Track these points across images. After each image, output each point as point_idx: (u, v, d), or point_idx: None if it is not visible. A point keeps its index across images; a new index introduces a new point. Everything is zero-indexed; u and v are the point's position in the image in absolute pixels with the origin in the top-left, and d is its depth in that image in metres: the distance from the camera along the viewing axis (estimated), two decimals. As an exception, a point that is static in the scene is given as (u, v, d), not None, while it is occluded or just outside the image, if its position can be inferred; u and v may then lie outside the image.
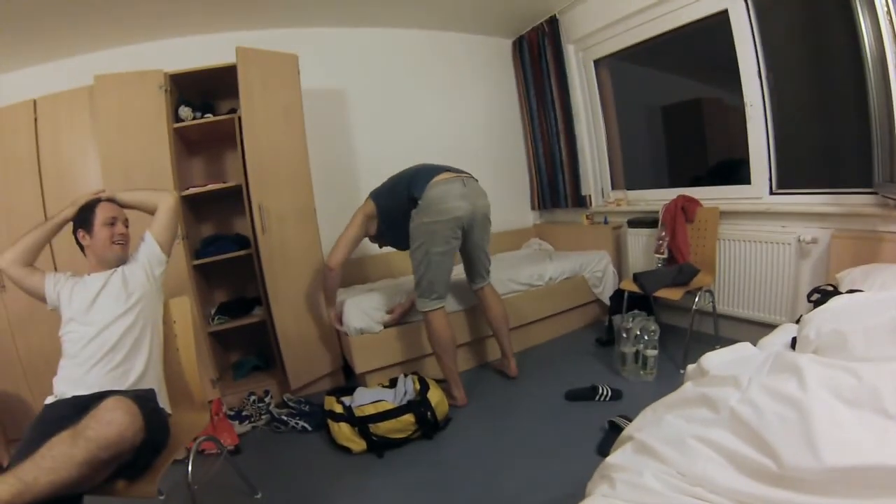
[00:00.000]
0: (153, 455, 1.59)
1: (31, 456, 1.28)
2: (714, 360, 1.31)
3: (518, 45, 4.48)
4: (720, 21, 2.95)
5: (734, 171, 3.22)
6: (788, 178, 2.88)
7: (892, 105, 2.01)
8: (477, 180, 2.71)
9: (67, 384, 1.71)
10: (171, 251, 2.07)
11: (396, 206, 2.64)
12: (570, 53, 4.09)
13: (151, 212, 2.03)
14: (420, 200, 2.49)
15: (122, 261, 1.93)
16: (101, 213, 1.89)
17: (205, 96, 3.13)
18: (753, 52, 2.84)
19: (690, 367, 1.39)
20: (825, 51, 2.73)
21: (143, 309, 1.88)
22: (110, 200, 1.97)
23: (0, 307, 2.73)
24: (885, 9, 1.92)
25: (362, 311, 2.92)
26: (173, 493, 2.13)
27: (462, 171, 2.66)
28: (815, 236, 2.63)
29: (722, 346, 1.46)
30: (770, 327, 2.25)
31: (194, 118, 2.97)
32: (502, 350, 3.00)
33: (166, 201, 2.04)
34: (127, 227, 1.96)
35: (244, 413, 2.84)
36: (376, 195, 2.79)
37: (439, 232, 2.51)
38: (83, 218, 1.90)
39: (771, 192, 2.92)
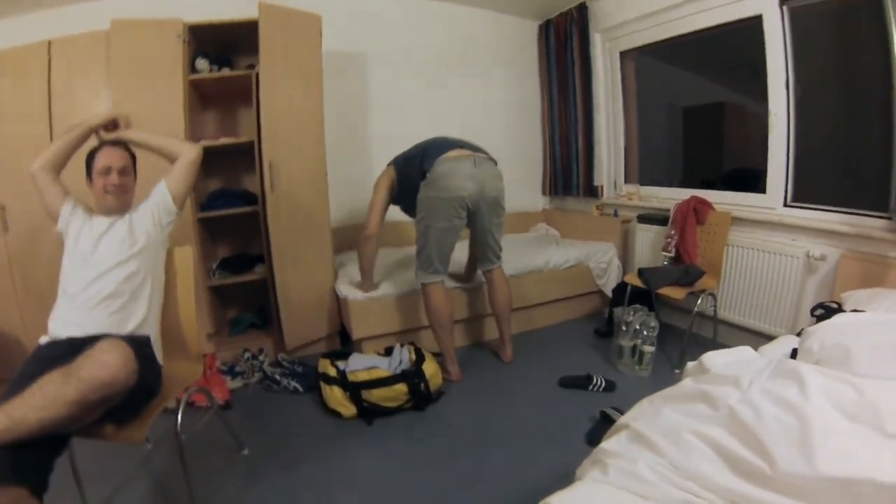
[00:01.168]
0: (144, 401, 1.59)
1: (21, 393, 1.28)
2: (715, 359, 1.32)
3: (545, 28, 4.41)
4: (752, 27, 2.89)
5: (747, 180, 3.20)
6: (804, 192, 2.86)
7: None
8: (495, 161, 2.68)
9: (63, 325, 1.70)
10: (184, 204, 2.02)
11: (411, 175, 2.64)
12: (597, 42, 4.02)
13: (171, 159, 1.97)
14: (428, 174, 2.49)
15: (118, 211, 1.86)
16: (98, 161, 1.83)
17: (223, 50, 3.08)
18: (784, 61, 2.79)
19: (691, 364, 1.40)
20: (856, 69, 2.69)
21: (147, 257, 1.85)
22: (115, 143, 1.90)
23: (1, 245, 2.72)
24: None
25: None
26: (161, 443, 2.18)
27: (478, 151, 2.63)
28: (825, 253, 2.62)
29: (719, 351, 1.47)
30: (769, 338, 2.27)
31: (211, 71, 2.93)
32: (501, 335, 3.00)
33: (189, 153, 1.97)
34: (125, 175, 1.86)
35: (237, 369, 2.86)
36: (395, 161, 2.83)
37: (441, 208, 2.51)
38: (87, 163, 1.86)
39: (785, 204, 2.90)
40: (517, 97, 4.53)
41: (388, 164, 2.85)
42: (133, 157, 1.94)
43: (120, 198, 1.85)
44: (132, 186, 1.92)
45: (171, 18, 2.74)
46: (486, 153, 2.66)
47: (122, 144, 1.92)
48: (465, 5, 4.13)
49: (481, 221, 2.66)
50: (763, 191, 3.00)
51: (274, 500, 1.86)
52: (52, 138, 2.67)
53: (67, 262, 1.80)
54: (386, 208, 2.82)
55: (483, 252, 2.80)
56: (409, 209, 2.79)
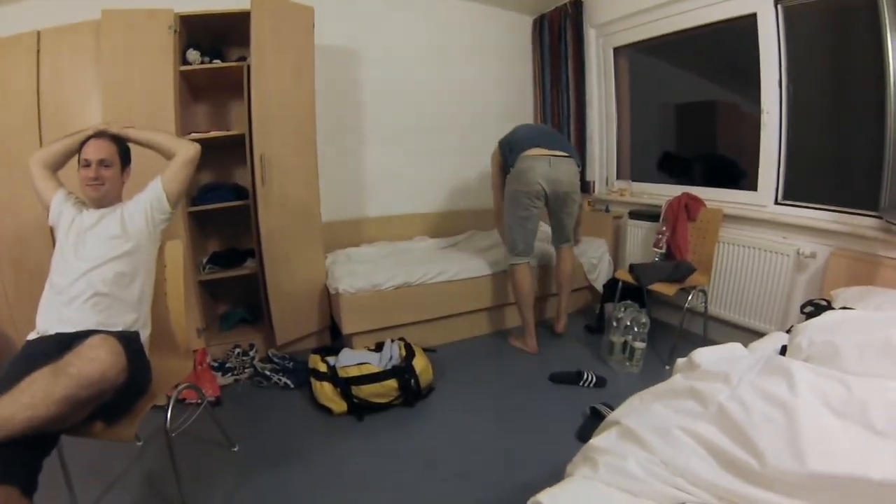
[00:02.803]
0: (133, 398, 1.57)
1: (9, 391, 1.25)
2: (705, 355, 1.32)
3: (539, 23, 4.39)
4: (747, 25, 2.90)
5: (726, 172, 3.30)
6: (795, 189, 2.88)
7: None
8: (570, 157, 2.92)
9: (51, 322, 1.67)
10: (178, 204, 1.99)
11: (506, 160, 2.98)
12: (591, 38, 4.02)
13: (168, 156, 1.95)
14: (512, 168, 2.87)
15: (101, 203, 1.84)
16: (82, 154, 1.82)
17: (214, 41, 3.04)
18: (777, 60, 2.79)
19: (681, 360, 1.40)
20: (848, 68, 2.70)
21: (139, 256, 1.83)
22: (101, 135, 1.88)
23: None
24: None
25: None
26: (151, 440, 2.16)
27: (556, 149, 2.87)
28: (815, 251, 2.64)
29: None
30: (758, 335, 2.28)
31: (202, 62, 2.89)
32: (559, 307, 3.28)
33: (186, 151, 1.95)
34: (104, 167, 1.82)
35: (228, 365, 2.84)
36: (500, 143, 3.08)
37: (520, 199, 2.86)
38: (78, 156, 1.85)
39: (776, 202, 2.91)
40: (510, 91, 4.51)
41: (497, 144, 3.12)
42: (121, 149, 1.90)
43: (98, 189, 1.82)
44: (114, 177, 1.86)
45: (162, 8, 2.70)
46: (563, 151, 2.90)
47: (109, 136, 1.89)
48: (459, -1, 4.10)
49: (554, 210, 3.00)
50: (754, 187, 3.01)
51: (265, 497, 1.85)
52: (40, 131, 2.65)
53: (57, 253, 1.78)
54: (503, 187, 3.08)
55: (555, 232, 3.17)
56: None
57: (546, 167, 2.80)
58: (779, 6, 2.75)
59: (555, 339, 3.26)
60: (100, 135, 1.87)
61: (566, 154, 2.89)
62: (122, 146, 1.91)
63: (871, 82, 2.35)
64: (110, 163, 1.84)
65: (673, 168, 3.83)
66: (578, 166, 2.99)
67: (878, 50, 2.21)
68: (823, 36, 2.79)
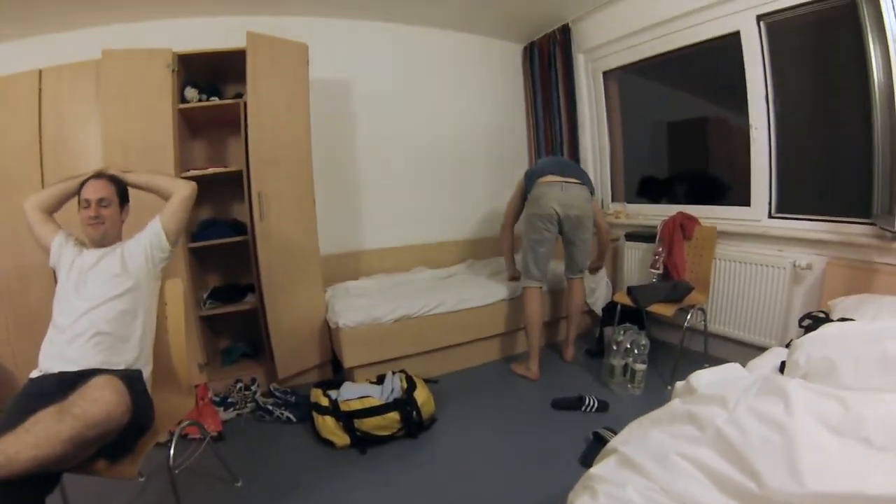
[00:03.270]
0: (137, 436, 1.58)
1: (13, 429, 1.26)
2: (703, 378, 1.32)
3: (529, 50, 4.47)
4: (732, 42, 2.96)
5: (715, 189, 3.38)
6: (788, 202, 2.90)
7: (895, 137, 2.02)
8: (583, 183, 3.02)
9: (54, 360, 1.69)
10: (178, 242, 2.02)
11: (526, 189, 3.12)
12: (580, 63, 4.09)
13: (165, 197, 1.99)
14: (528, 195, 3.01)
15: (102, 242, 1.88)
16: (82, 195, 1.86)
17: (212, 79, 3.12)
18: (762, 75, 2.85)
19: (679, 383, 1.40)
20: (833, 79, 2.75)
21: (139, 294, 1.85)
22: (99, 175, 1.92)
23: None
24: (896, 42, 1.93)
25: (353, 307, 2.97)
26: (153, 476, 2.14)
27: (568, 177, 2.97)
28: (811, 262, 2.65)
29: (711, 365, 1.47)
30: (760, 349, 2.27)
31: (200, 100, 2.95)
32: (567, 336, 3.35)
33: (183, 190, 1.98)
34: (103, 206, 1.86)
35: (230, 400, 2.83)
36: (527, 174, 3.18)
37: (534, 223, 2.97)
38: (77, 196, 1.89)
39: (770, 216, 2.94)
40: (504, 119, 4.57)
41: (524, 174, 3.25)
42: (119, 188, 1.93)
43: (98, 228, 1.85)
44: (113, 216, 1.90)
45: (160, 48, 2.77)
46: (575, 178, 3.00)
47: (107, 177, 1.92)
48: (452, 30, 4.19)
49: (568, 237, 3.06)
50: (747, 203, 3.03)
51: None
52: (42, 169, 2.70)
53: (59, 293, 1.80)
54: (517, 211, 3.29)
55: (567, 262, 3.23)
56: None
57: (558, 191, 2.90)
58: (761, 23, 2.81)
59: (556, 365, 3.25)
60: (98, 176, 1.92)
61: (578, 180, 2.99)
62: (119, 186, 1.95)
63: (857, 92, 2.39)
64: (109, 202, 1.87)
65: (660, 191, 3.90)
66: (592, 193, 3.08)
67: (862, 60, 2.24)
68: (807, 49, 2.84)
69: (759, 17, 2.80)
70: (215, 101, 2.99)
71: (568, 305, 3.31)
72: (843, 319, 1.87)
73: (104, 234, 1.87)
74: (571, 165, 3.17)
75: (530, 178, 3.06)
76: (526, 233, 3.03)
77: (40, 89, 2.69)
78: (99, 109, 2.70)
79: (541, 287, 3.06)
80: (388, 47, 3.96)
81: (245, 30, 2.70)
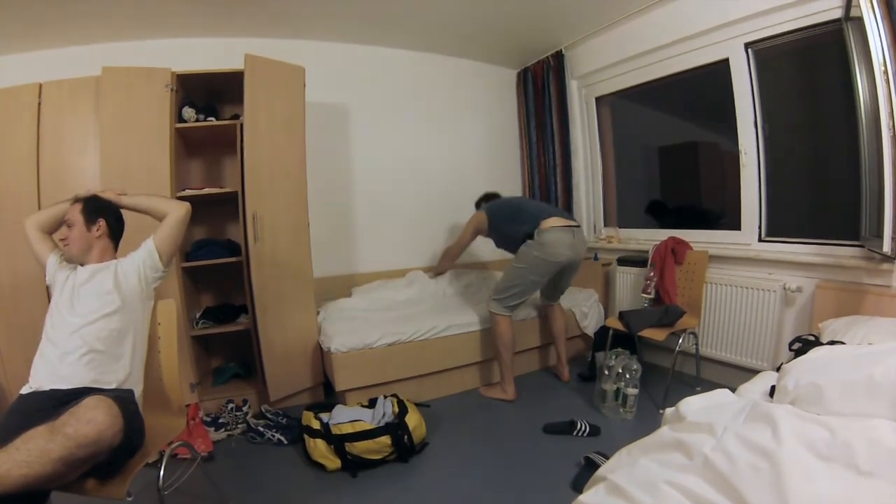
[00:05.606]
0: (127, 457, 1.57)
1: (4, 447, 1.26)
2: (692, 405, 1.33)
3: (523, 76, 4.55)
4: (721, 69, 3.03)
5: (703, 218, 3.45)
6: (778, 226, 2.94)
7: (882, 161, 2.06)
8: (580, 227, 3.06)
9: (46, 377, 1.68)
10: (171, 262, 2.04)
11: (508, 230, 3.12)
12: (573, 89, 4.16)
13: (160, 218, 2.01)
14: (536, 237, 2.91)
15: (80, 260, 1.91)
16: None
17: (209, 99, 3.15)
18: (751, 101, 2.91)
19: (669, 410, 1.40)
20: (821, 104, 2.81)
21: (131, 314, 1.86)
22: (84, 199, 1.95)
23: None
24: (882, 67, 1.97)
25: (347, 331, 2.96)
26: (142, 496, 2.08)
27: (571, 221, 3.01)
28: (801, 285, 2.68)
29: (703, 389, 1.48)
30: (751, 372, 2.29)
31: (197, 120, 2.98)
32: (559, 357, 3.40)
33: (177, 211, 2.00)
34: (69, 226, 1.90)
35: (221, 420, 2.81)
36: (489, 210, 3.30)
37: (542, 266, 2.93)
38: None
39: (760, 240, 2.97)
40: (497, 144, 4.61)
41: (482, 211, 3.34)
42: (86, 207, 1.93)
43: (66, 248, 1.91)
44: (77, 236, 1.90)
45: (160, 67, 2.80)
46: (576, 222, 3.05)
47: (79, 199, 1.95)
48: (447, 56, 4.26)
49: (563, 274, 3.10)
50: (738, 227, 3.07)
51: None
52: (38, 184, 2.70)
53: (53, 308, 1.82)
54: (465, 247, 3.53)
55: (551, 293, 3.29)
56: (500, 244, 3.35)
57: (571, 237, 2.93)
58: (749, 50, 2.88)
59: (546, 390, 3.25)
60: (73, 200, 1.96)
61: (578, 224, 3.05)
62: (87, 205, 1.94)
63: (844, 116, 2.45)
64: (72, 223, 1.91)
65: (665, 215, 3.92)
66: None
67: (848, 85, 2.29)
68: (795, 75, 2.91)
69: (748, 45, 2.87)
70: (212, 121, 3.02)
71: (554, 329, 3.36)
72: (832, 342, 1.89)
73: (70, 254, 1.91)
74: (559, 209, 3.25)
75: (515, 219, 3.05)
76: (525, 271, 2.96)
77: (40, 103, 2.71)
78: (97, 125, 2.72)
79: (510, 317, 3.07)
80: (383, 71, 4.02)
81: (243, 52, 2.74)
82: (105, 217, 1.97)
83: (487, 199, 3.56)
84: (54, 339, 1.74)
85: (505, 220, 3.17)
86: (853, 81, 2.25)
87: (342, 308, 3.36)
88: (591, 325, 3.68)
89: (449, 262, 3.78)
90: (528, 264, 2.95)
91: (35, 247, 1.96)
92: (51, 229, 1.98)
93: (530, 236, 2.94)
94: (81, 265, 1.91)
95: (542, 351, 3.64)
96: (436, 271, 3.90)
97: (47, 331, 1.78)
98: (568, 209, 4.18)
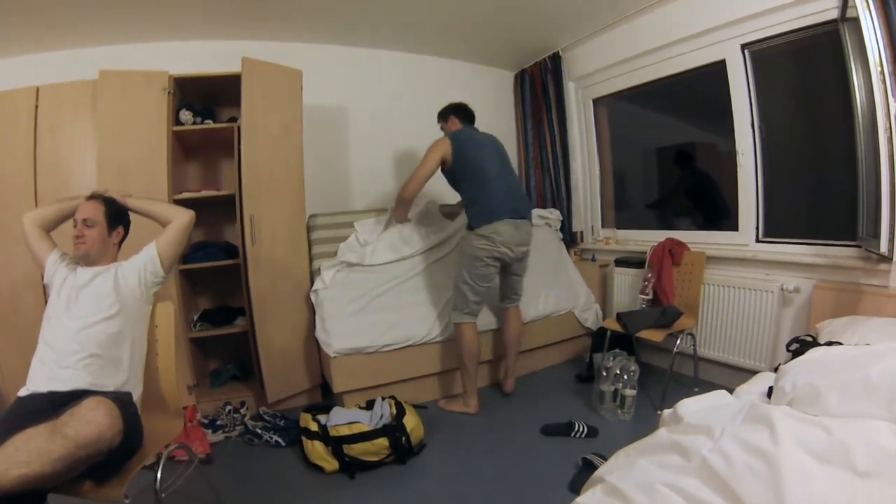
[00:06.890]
0: (125, 458, 1.56)
1: (3, 447, 1.26)
2: (689, 407, 1.32)
3: (520, 78, 4.54)
4: (718, 70, 3.03)
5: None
6: (775, 226, 2.94)
7: (879, 161, 2.06)
8: (530, 221, 2.94)
9: (43, 379, 1.68)
10: (172, 268, 2.03)
11: (458, 171, 2.88)
12: (571, 91, 4.16)
13: (163, 224, 2.00)
14: (484, 225, 2.75)
15: (86, 261, 1.88)
16: (74, 214, 1.89)
17: (206, 102, 3.15)
18: (748, 102, 2.91)
19: (666, 411, 1.40)
20: (818, 105, 2.82)
21: (130, 317, 1.85)
22: (93, 196, 1.94)
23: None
24: (879, 68, 1.98)
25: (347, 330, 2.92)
26: (140, 499, 2.07)
27: (520, 215, 2.85)
28: (798, 286, 2.68)
29: (701, 390, 1.48)
30: (749, 373, 2.29)
31: (194, 123, 2.97)
32: (507, 366, 3.17)
33: (181, 218, 2.00)
34: (88, 226, 1.87)
35: (218, 422, 2.80)
36: (454, 138, 2.93)
37: (481, 258, 2.77)
38: None
39: (757, 240, 2.97)
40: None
41: (447, 138, 2.94)
42: (109, 210, 1.93)
43: (78, 247, 1.86)
44: (97, 237, 1.88)
45: (157, 70, 2.80)
46: (526, 215, 2.90)
47: (100, 198, 1.94)
48: (444, 58, 4.25)
49: (510, 269, 2.96)
50: (735, 228, 3.07)
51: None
52: (35, 186, 2.70)
53: (50, 311, 1.80)
54: (427, 179, 2.95)
55: (505, 292, 3.09)
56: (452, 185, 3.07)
57: (513, 230, 2.78)
58: (746, 51, 2.88)
59: (544, 392, 3.23)
60: (91, 196, 1.94)
61: (527, 218, 2.91)
62: (111, 208, 1.94)
63: (841, 116, 2.45)
64: (94, 223, 1.88)
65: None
66: (532, 223, 2.99)
67: (845, 85, 2.30)
68: (791, 76, 2.91)
69: (744, 46, 2.88)
70: (209, 124, 3.02)
71: (505, 335, 3.13)
72: (830, 343, 1.89)
73: (85, 253, 1.87)
74: (520, 195, 2.98)
75: (481, 199, 2.78)
76: (466, 265, 2.81)
77: (37, 106, 2.70)
78: (94, 128, 2.72)
79: (474, 323, 2.89)
80: (381, 74, 4.01)
81: (241, 55, 2.74)
82: (124, 225, 1.99)
83: (458, 113, 3.12)
84: (52, 343, 1.73)
85: (463, 176, 2.88)
86: (849, 82, 2.26)
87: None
88: (589, 320, 3.69)
89: (406, 206, 3.24)
90: (468, 256, 2.80)
91: (33, 244, 1.92)
92: (50, 227, 1.96)
93: (471, 228, 2.82)
94: (87, 266, 1.88)
95: (536, 353, 3.58)
96: (396, 219, 3.35)
97: (44, 334, 1.77)
98: (567, 211, 4.19)
